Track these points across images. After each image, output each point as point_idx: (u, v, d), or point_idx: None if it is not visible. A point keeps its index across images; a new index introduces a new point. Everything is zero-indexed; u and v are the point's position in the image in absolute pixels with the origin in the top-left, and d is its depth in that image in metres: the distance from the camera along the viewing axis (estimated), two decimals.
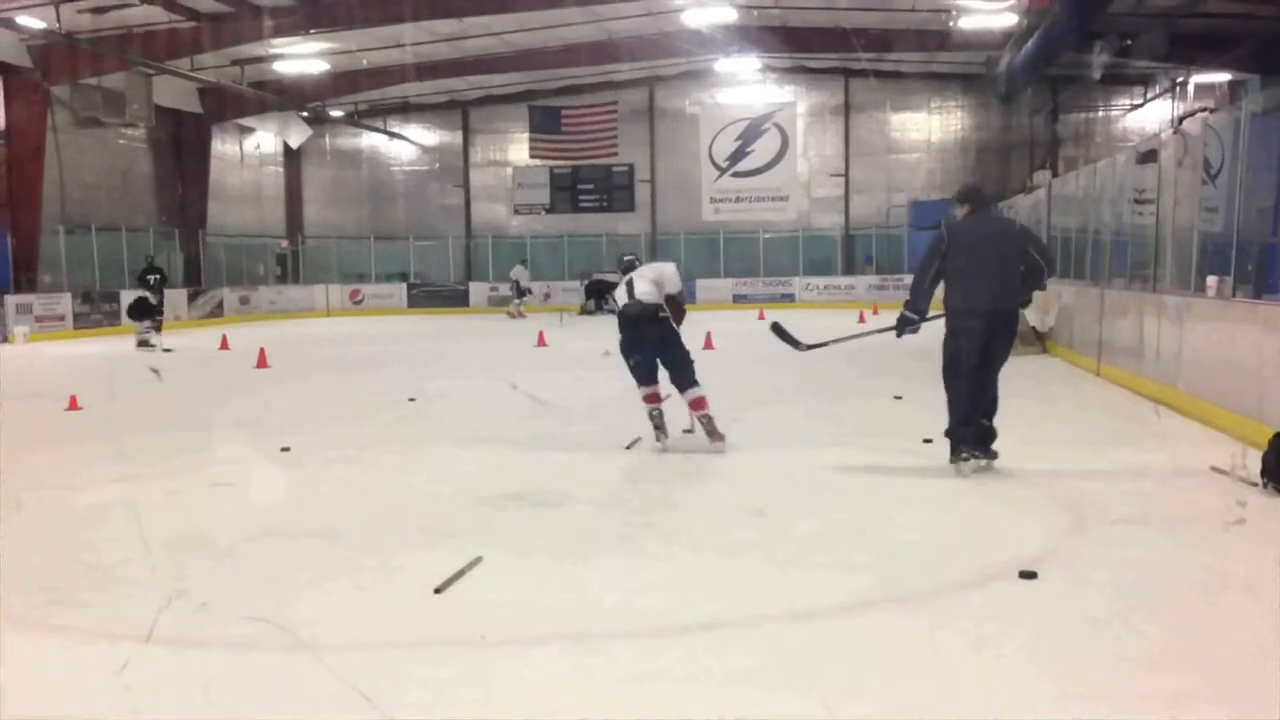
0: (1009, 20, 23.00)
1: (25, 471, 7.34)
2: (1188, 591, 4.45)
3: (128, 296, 25.12)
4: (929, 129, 32.14)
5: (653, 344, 7.79)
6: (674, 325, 7.85)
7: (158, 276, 20.83)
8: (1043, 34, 21.22)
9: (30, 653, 3.93)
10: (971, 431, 6.76)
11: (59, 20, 20.44)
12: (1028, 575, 4.51)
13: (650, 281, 7.85)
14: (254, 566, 5.05)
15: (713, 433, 7.75)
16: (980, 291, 6.70)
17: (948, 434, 6.89)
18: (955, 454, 6.76)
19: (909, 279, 27.64)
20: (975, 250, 6.78)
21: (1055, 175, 24.86)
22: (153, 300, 19.28)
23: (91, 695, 3.55)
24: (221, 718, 3.40)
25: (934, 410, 9.64)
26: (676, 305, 7.94)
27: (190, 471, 7.31)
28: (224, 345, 18.54)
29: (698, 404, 7.79)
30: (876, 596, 4.42)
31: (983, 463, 6.75)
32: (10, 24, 20.28)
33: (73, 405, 10.54)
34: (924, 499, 6.17)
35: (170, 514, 6.08)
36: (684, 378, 7.81)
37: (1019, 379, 12.19)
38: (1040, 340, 14.83)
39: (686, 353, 7.87)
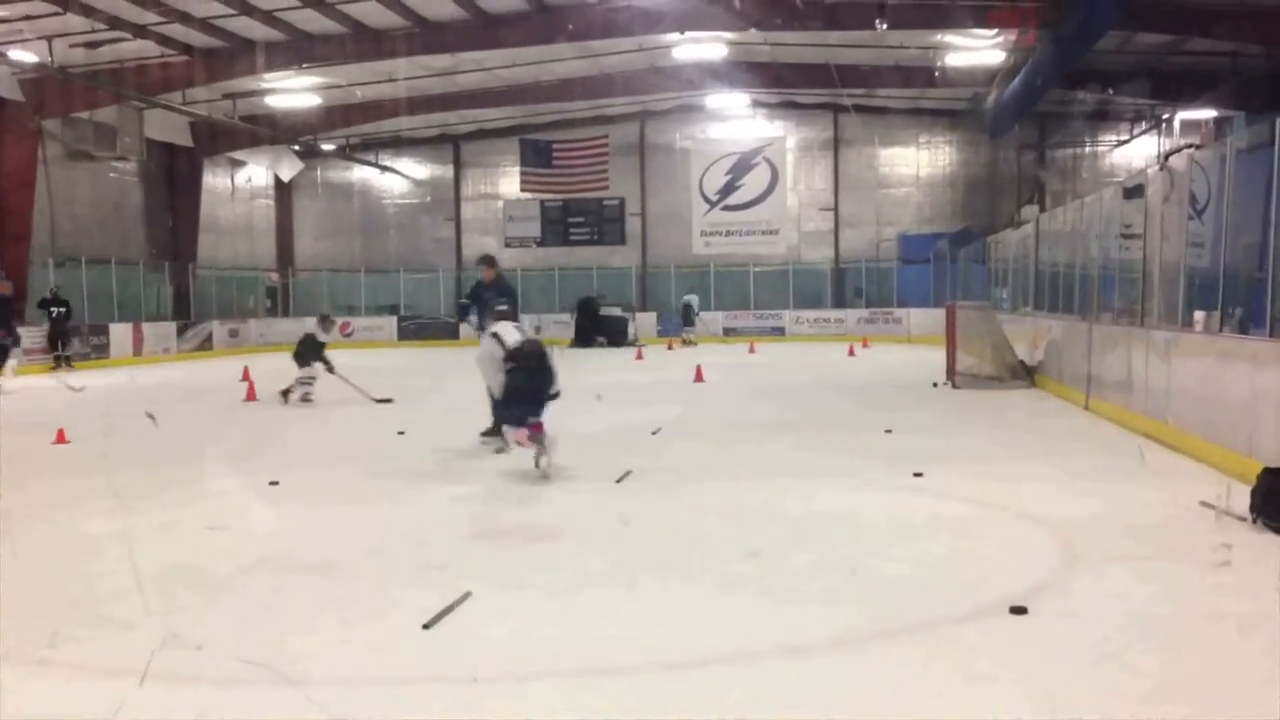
0: (995, 58, 23.28)
1: (16, 506, 7.28)
2: (1179, 627, 4.45)
3: (115, 330, 25.22)
4: (917, 164, 32.39)
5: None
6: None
7: (62, 310, 20.52)
8: (1029, 72, 21.50)
9: (25, 690, 3.88)
10: None
11: (51, 54, 20.55)
12: (1018, 611, 4.51)
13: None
14: (244, 602, 5.01)
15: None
16: None
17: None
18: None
19: (899, 312, 27.99)
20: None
21: (1043, 210, 25.11)
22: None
23: None
24: None
25: (925, 444, 9.67)
26: None
27: (180, 506, 7.27)
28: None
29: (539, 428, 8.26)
30: (870, 631, 4.41)
31: None
32: (3, 58, 20.36)
33: (60, 439, 10.48)
34: (916, 533, 6.16)
35: (161, 549, 6.04)
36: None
37: (1008, 412, 12.28)
38: (1029, 374, 14.90)
39: None
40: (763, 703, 3.66)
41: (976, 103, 28.35)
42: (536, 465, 8.11)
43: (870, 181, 32.60)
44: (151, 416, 12.52)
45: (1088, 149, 31.15)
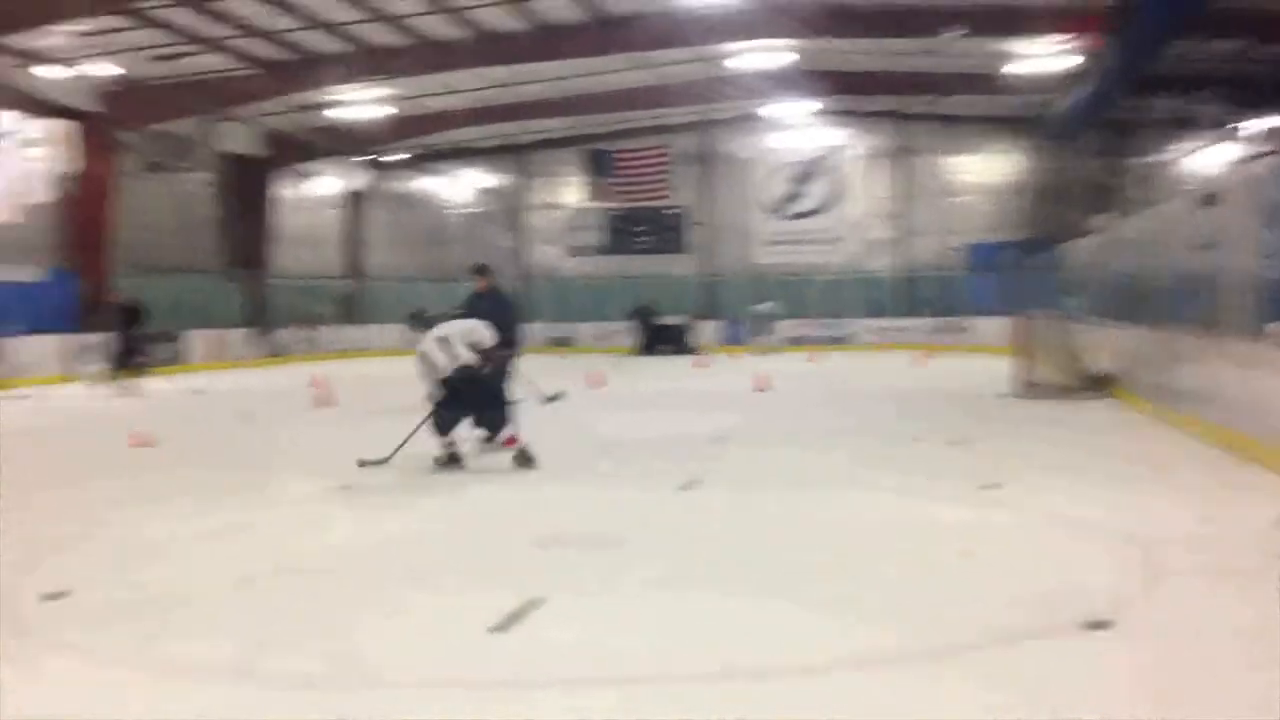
0: (1063, 64, 22.89)
1: (85, 507, 7.48)
2: (1258, 649, 4.32)
3: (190, 337, 25.75)
4: (984, 172, 31.91)
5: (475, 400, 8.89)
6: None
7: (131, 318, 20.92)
8: (1097, 78, 21.09)
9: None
10: None
11: (130, 68, 21.14)
12: (1097, 626, 4.39)
13: (466, 346, 8.66)
14: (311, 604, 5.08)
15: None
16: None
17: None
18: None
19: (966, 321, 27.54)
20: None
21: (1115, 219, 24.60)
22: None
23: None
24: None
25: (992, 457, 9.51)
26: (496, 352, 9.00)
27: (249, 508, 7.41)
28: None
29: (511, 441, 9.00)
30: (929, 648, 4.34)
31: None
32: (85, 72, 20.98)
33: (139, 442, 10.72)
34: (983, 547, 6.04)
35: (230, 549, 6.16)
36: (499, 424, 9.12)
37: (1080, 424, 12.04)
38: (1102, 385, 14.58)
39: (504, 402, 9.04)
40: (828, 714, 3.62)
41: (1044, 110, 27.88)
42: (516, 462, 8.78)
43: (935, 190, 32.22)
44: (245, 417, 13.00)
45: (1161, 156, 30.38)
